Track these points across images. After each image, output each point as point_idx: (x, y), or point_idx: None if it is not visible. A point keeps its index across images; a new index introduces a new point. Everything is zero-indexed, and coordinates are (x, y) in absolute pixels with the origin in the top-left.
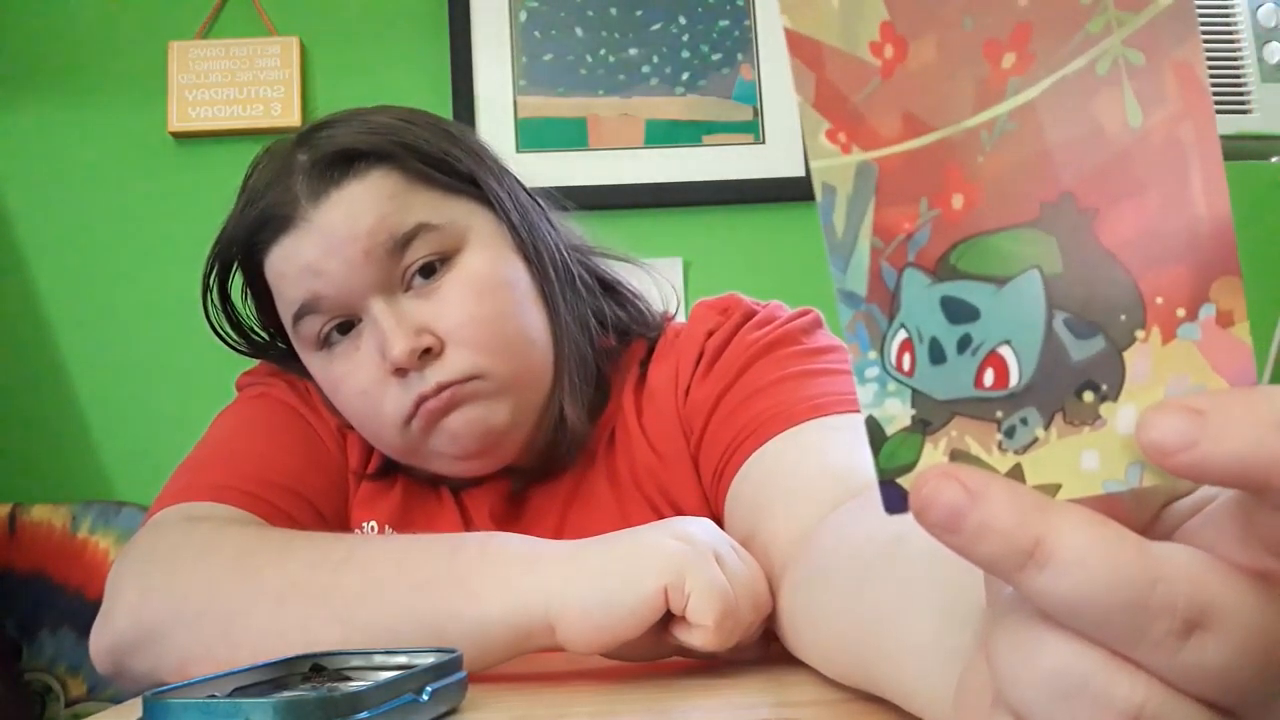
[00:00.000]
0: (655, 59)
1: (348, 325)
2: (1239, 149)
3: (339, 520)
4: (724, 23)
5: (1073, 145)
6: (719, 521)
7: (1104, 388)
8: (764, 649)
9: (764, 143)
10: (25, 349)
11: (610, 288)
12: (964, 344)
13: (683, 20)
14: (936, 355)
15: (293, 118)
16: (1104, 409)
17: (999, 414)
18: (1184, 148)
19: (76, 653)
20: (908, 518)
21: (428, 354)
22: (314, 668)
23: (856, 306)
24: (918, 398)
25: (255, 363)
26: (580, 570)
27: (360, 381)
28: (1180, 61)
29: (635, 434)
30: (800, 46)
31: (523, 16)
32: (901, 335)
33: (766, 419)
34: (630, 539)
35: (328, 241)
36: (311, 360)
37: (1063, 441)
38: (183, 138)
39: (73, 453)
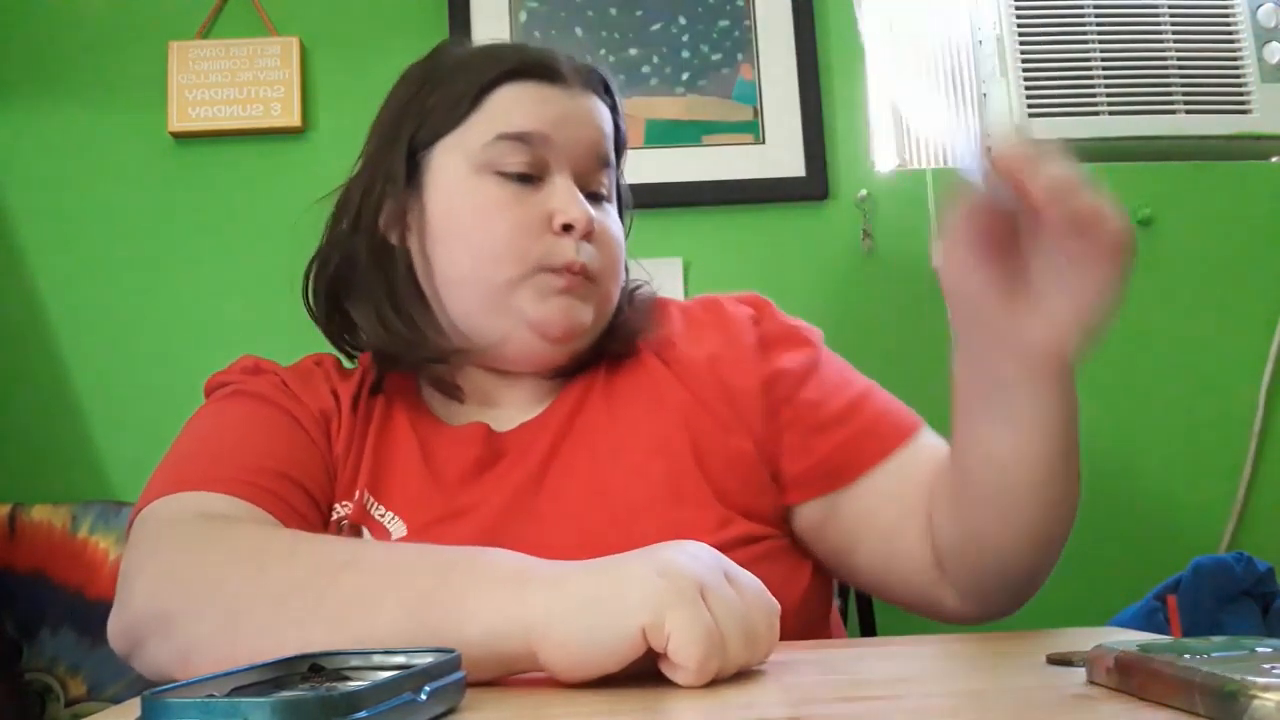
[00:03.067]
0: (655, 59)
1: (527, 178)
2: (1239, 149)
3: (328, 504)
4: (724, 23)
5: None
6: (787, 477)
7: None
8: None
9: (764, 143)
10: (25, 349)
11: None
12: None
13: (683, 20)
14: None
15: (293, 118)
16: None
17: None
18: None
19: (76, 653)
20: None
21: (589, 235)
22: (313, 667)
23: None
24: None
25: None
26: (563, 600)
27: (520, 218)
28: None
29: (659, 374)
30: None
31: (523, 16)
32: None
33: (884, 433)
34: (616, 570)
35: (581, 114)
36: (480, 181)
37: None
38: (183, 138)
39: (73, 453)
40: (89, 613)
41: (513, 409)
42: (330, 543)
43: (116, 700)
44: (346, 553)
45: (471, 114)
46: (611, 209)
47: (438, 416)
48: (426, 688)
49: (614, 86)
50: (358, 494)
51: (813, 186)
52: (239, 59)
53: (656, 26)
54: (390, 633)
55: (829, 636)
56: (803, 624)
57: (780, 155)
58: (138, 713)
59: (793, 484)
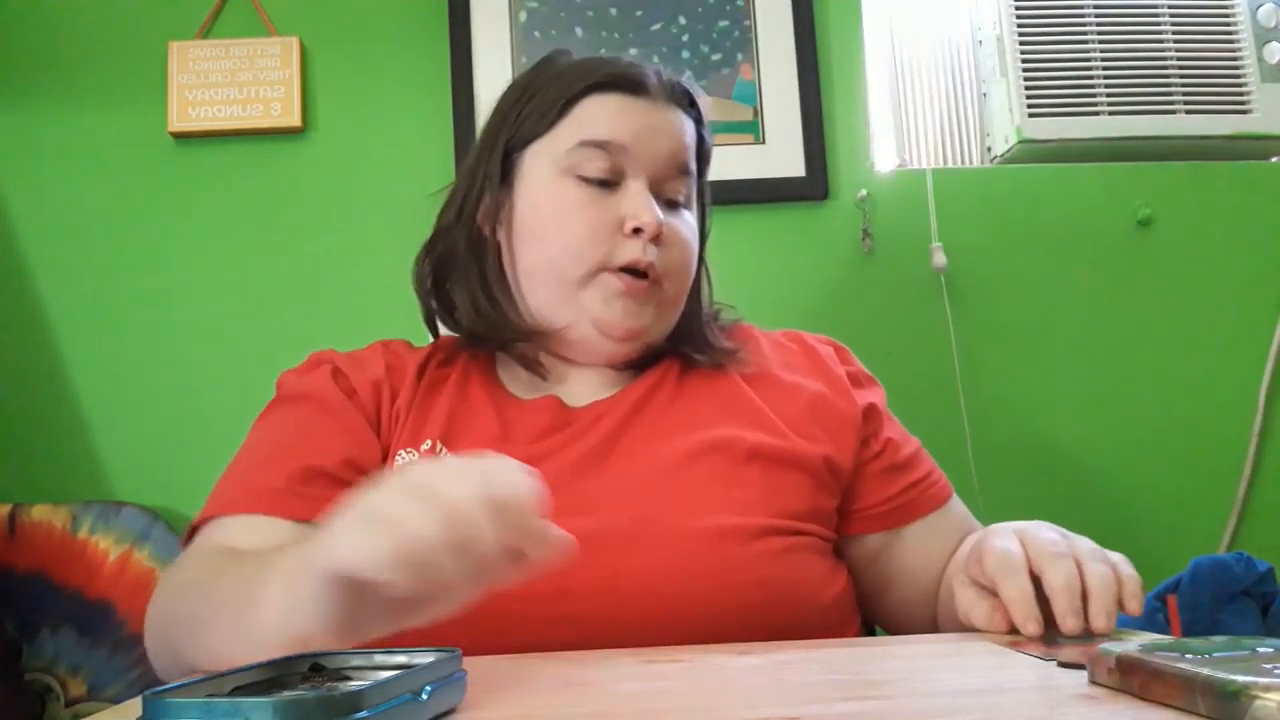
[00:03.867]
0: (655, 59)
1: (604, 183)
2: (1239, 149)
3: (384, 457)
4: (724, 23)
5: None
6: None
7: None
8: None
9: (764, 143)
10: (25, 349)
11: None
12: None
13: (683, 20)
14: None
15: (293, 118)
16: None
17: None
18: None
19: (76, 653)
20: None
21: (657, 239)
22: (313, 667)
23: None
24: None
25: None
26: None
27: (594, 219)
28: None
29: (737, 389)
30: None
31: (523, 16)
32: None
33: (931, 496)
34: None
35: (661, 125)
36: (563, 184)
37: None
38: (183, 138)
39: (73, 453)
40: (89, 613)
41: (587, 389)
42: (253, 562)
43: (116, 700)
44: (250, 570)
45: (559, 121)
46: (688, 215)
47: (512, 393)
48: (427, 687)
49: (700, 99)
50: (430, 443)
51: (813, 186)
52: (239, 59)
53: (656, 26)
54: (253, 647)
55: (848, 632)
56: (835, 621)
57: (780, 155)
58: (138, 713)
59: (863, 515)
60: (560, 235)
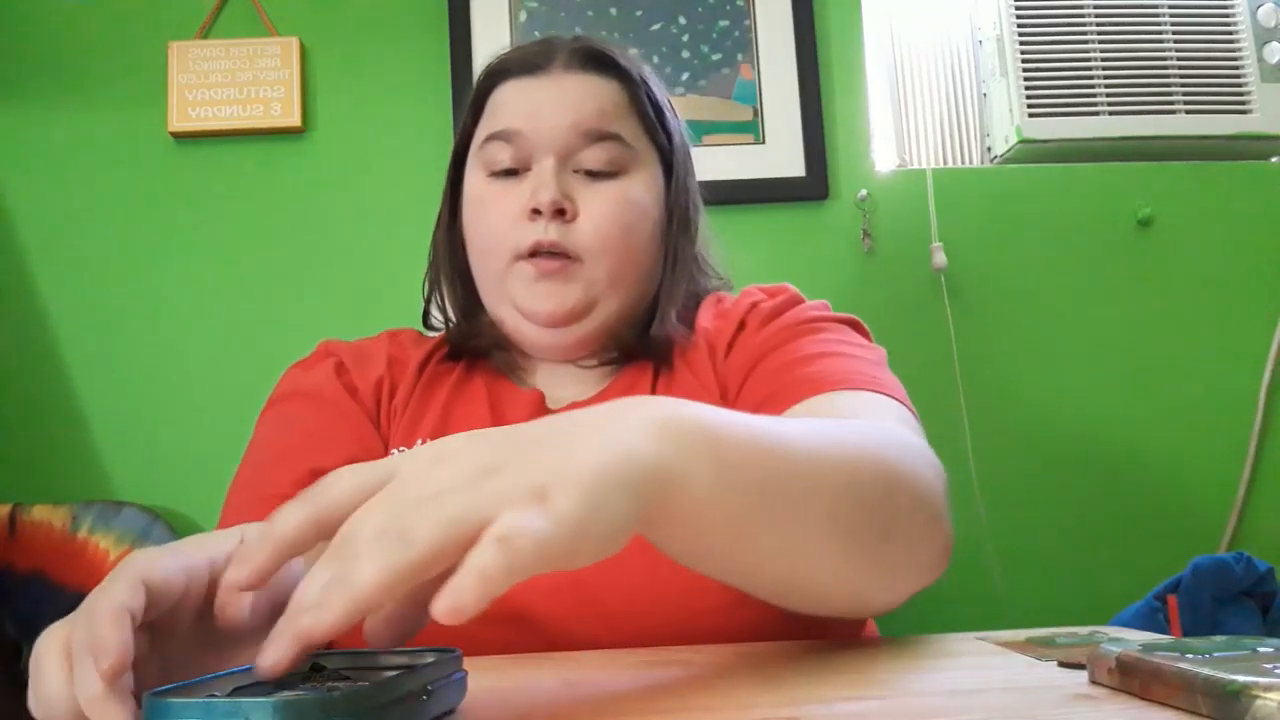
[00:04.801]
0: (655, 59)
1: (513, 172)
2: (1239, 149)
3: (384, 451)
4: (724, 23)
5: None
6: None
7: None
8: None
9: (764, 143)
10: (25, 349)
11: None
12: None
13: (683, 20)
14: None
15: (293, 118)
16: None
17: None
18: None
19: None
20: None
21: (562, 215)
22: (314, 667)
23: None
24: None
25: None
26: None
27: (503, 210)
28: None
29: (680, 369)
30: None
31: (523, 16)
32: None
33: (807, 380)
34: None
35: (558, 102)
36: (477, 180)
37: None
38: (183, 138)
39: (73, 453)
40: None
41: (567, 389)
42: None
43: None
44: None
45: (478, 120)
46: (621, 183)
47: (512, 382)
48: (429, 687)
49: (621, 57)
50: (422, 440)
51: (813, 186)
52: (239, 59)
53: (656, 26)
54: None
55: (864, 631)
56: (835, 628)
57: (780, 155)
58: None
59: None
60: (477, 233)
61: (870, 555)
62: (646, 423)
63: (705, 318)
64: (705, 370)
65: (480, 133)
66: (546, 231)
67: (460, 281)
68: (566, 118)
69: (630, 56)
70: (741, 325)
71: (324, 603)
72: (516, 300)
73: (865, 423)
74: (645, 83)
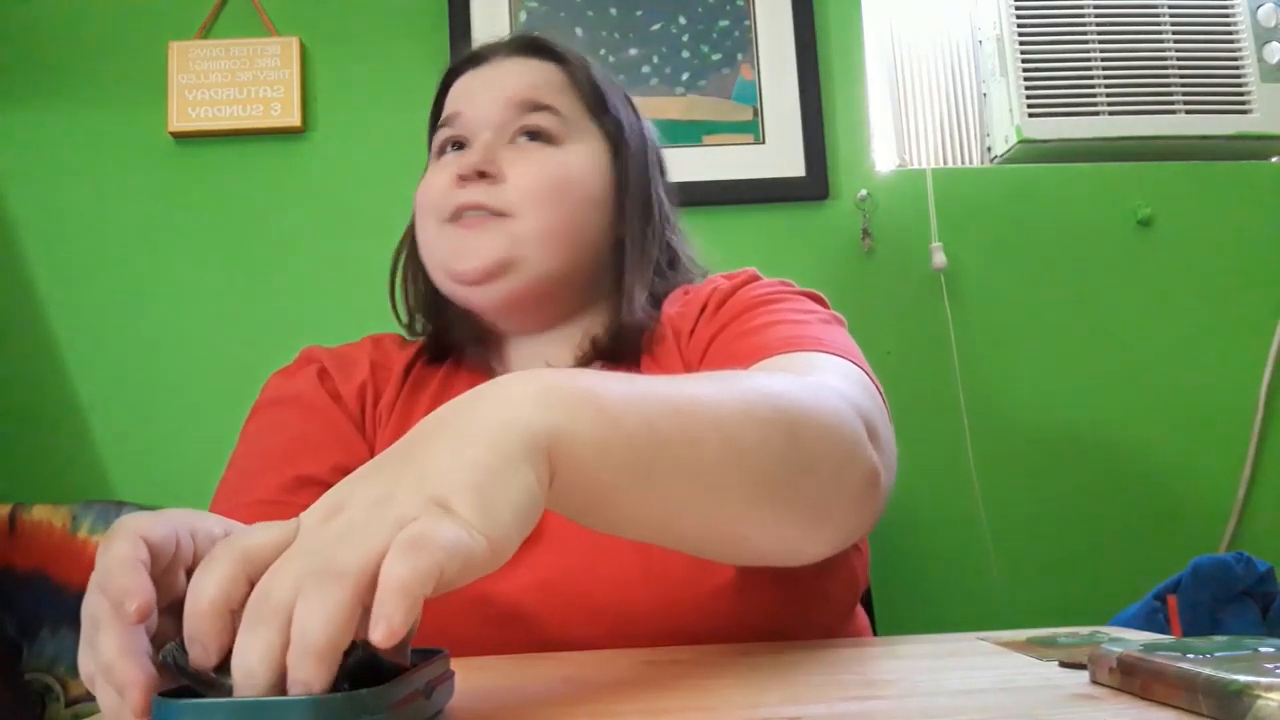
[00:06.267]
0: (655, 59)
1: (457, 149)
2: (1239, 149)
3: (370, 454)
4: (724, 23)
5: None
6: None
7: None
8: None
9: (764, 143)
10: (25, 349)
11: (674, 258)
12: None
13: (683, 20)
14: None
15: (293, 118)
16: None
17: None
18: None
19: (76, 653)
20: None
21: (485, 177)
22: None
23: None
24: None
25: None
26: None
27: (436, 180)
28: None
29: (647, 364)
30: None
31: (523, 16)
32: None
33: (749, 350)
34: None
35: (493, 82)
36: (430, 167)
37: None
38: (183, 138)
39: (73, 453)
40: None
41: None
42: None
43: None
44: None
45: (438, 119)
46: (551, 149)
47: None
48: (430, 685)
49: (557, 45)
50: None
51: (813, 186)
52: (239, 59)
53: (656, 26)
54: None
55: (855, 630)
56: (836, 617)
57: (780, 155)
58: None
59: None
60: (417, 206)
61: (783, 494)
62: (528, 392)
63: (672, 308)
64: (673, 359)
65: (437, 126)
66: (470, 194)
67: (421, 276)
68: (502, 92)
69: (571, 47)
70: (703, 308)
71: (297, 667)
72: (446, 263)
73: (772, 372)
74: (585, 67)
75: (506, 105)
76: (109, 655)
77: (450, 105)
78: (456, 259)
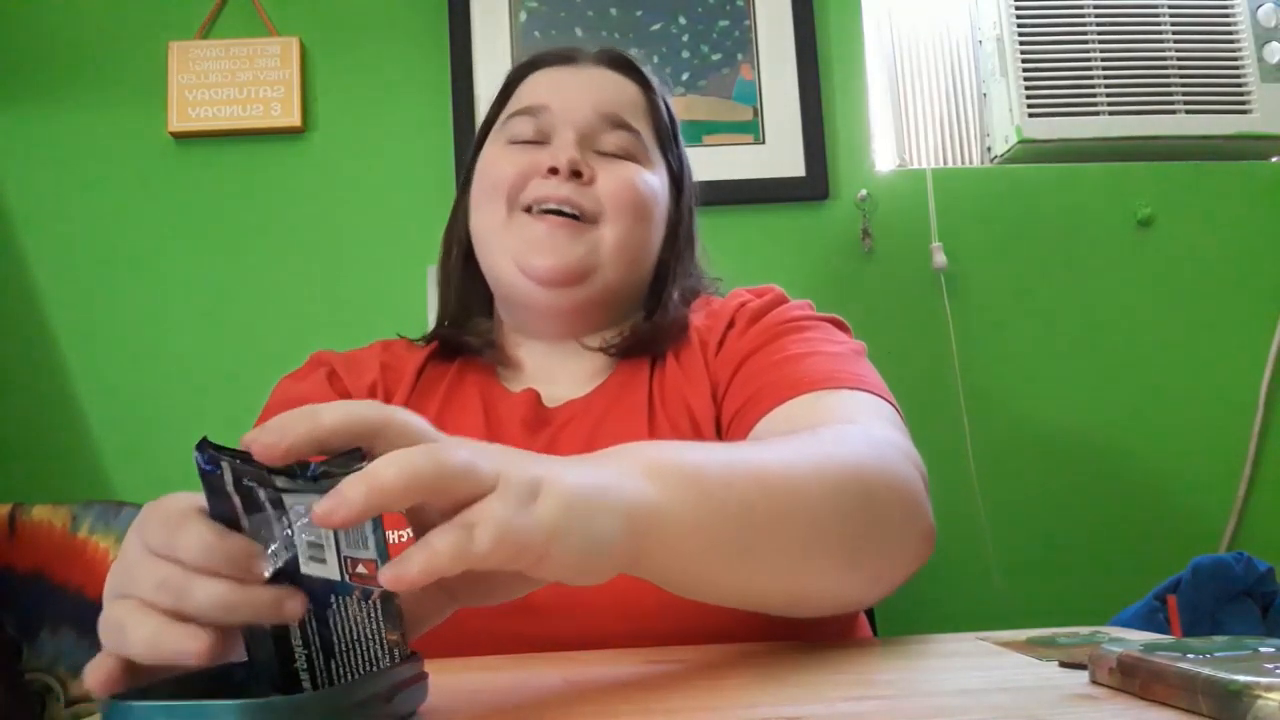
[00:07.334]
0: (655, 59)
1: (533, 145)
2: (1239, 149)
3: None
4: (724, 23)
5: None
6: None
7: None
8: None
9: (764, 143)
10: (25, 349)
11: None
12: None
13: (683, 20)
14: None
15: (293, 118)
16: None
17: None
18: None
19: (76, 653)
20: None
21: (579, 177)
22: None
23: None
24: None
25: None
26: None
27: (518, 165)
28: None
29: (672, 366)
30: None
31: (523, 16)
32: None
33: (792, 381)
34: None
35: (586, 85)
36: (494, 149)
37: None
38: (183, 138)
39: (73, 453)
40: (89, 613)
41: (566, 385)
42: None
43: None
44: None
45: (505, 104)
46: (635, 167)
47: (504, 386)
48: (394, 689)
49: (644, 67)
50: None
51: (813, 186)
52: (239, 59)
53: (656, 26)
54: None
55: (855, 631)
56: (837, 617)
57: (780, 155)
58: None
59: (725, 430)
60: (488, 185)
61: (853, 560)
62: (633, 464)
63: (697, 317)
64: (698, 367)
65: (508, 112)
66: (559, 189)
67: (465, 271)
68: (591, 97)
69: (646, 67)
70: (731, 323)
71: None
72: (516, 254)
73: (840, 430)
74: (664, 99)
75: (594, 112)
76: (156, 626)
77: (534, 95)
78: (534, 253)
